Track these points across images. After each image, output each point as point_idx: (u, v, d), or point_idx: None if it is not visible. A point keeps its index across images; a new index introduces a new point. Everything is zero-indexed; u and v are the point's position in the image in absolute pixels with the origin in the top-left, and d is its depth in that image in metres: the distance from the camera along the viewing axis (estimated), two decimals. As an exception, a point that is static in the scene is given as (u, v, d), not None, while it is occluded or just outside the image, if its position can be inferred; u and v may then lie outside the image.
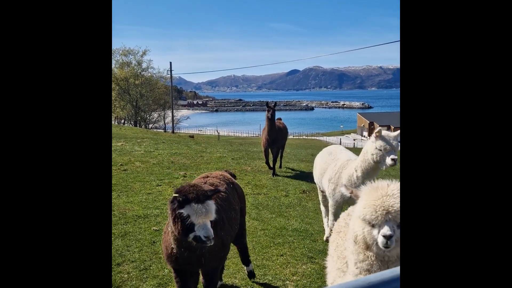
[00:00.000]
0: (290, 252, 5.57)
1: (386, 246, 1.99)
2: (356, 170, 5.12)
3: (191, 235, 2.84)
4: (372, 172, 4.99)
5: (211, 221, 2.94)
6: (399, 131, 4.91)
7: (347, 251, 2.36)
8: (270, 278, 4.74)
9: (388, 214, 2.04)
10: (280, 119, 11.22)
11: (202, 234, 2.81)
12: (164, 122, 52.77)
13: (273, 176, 10.38)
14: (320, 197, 6.46)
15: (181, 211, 2.83)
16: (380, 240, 2.00)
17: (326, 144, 41.05)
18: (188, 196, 2.84)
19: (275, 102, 10.63)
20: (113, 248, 5.27)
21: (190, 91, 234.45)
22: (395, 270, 0.93)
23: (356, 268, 2.11)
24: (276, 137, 10.42)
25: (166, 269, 4.65)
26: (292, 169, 11.72)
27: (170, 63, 41.86)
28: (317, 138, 55.39)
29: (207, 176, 3.99)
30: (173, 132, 38.92)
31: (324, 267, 5.11)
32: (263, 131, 10.86)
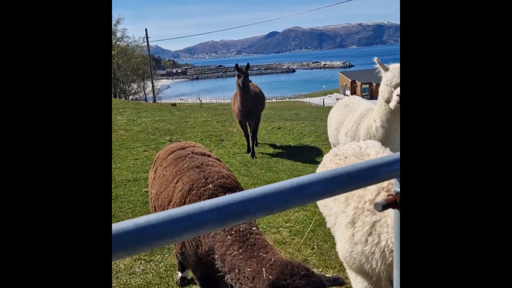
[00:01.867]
0: (281, 202, 5.69)
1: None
2: (375, 120, 4.42)
3: None
4: (392, 120, 4.19)
5: None
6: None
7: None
8: (264, 227, 4.86)
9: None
10: (250, 81, 8.27)
11: None
12: (145, 92, 51.69)
13: (252, 158, 8.22)
14: None
15: None
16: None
17: (310, 105, 41.24)
18: None
19: (248, 64, 7.95)
20: (106, 211, 5.29)
21: (168, 60, 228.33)
22: (395, 155, 0.95)
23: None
24: (253, 106, 8.11)
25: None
26: (278, 128, 11.76)
27: (146, 30, 40.45)
28: (300, 99, 55.34)
29: (185, 148, 3.18)
30: (154, 102, 38.23)
31: (315, 213, 5.27)
32: (234, 100, 8.52)
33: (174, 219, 0.72)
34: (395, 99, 4.04)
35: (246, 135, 8.56)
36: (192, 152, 3.10)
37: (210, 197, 2.63)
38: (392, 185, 1.06)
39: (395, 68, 4.18)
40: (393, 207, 0.99)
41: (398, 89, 4.04)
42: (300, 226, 4.88)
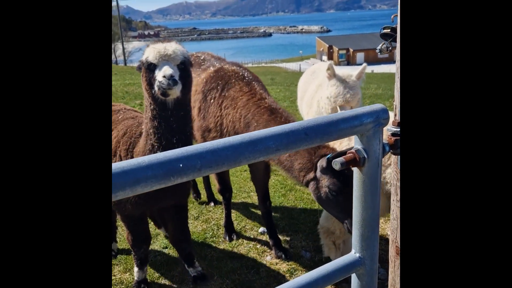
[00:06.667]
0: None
1: None
2: (322, 106, 3.95)
3: (155, 86, 2.31)
4: None
5: None
6: (361, 68, 3.57)
7: None
8: (235, 191, 4.86)
9: None
10: None
11: (161, 76, 2.29)
12: (115, 55, 49.65)
13: None
14: None
15: (142, 58, 2.44)
16: None
17: (286, 70, 40.89)
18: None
19: None
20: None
21: (140, 21, 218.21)
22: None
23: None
24: None
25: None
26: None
27: (114, -13, 38.15)
28: (276, 65, 54.71)
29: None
30: (125, 65, 36.88)
31: (287, 178, 5.31)
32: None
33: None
34: None
35: None
36: (124, 108, 3.26)
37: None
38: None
39: (342, 82, 3.45)
40: (353, 166, 0.95)
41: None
42: (271, 191, 4.91)
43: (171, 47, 2.39)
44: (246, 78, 3.22)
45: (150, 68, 2.37)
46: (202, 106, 3.33)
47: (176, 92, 2.33)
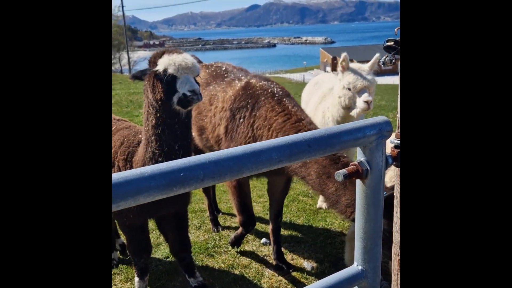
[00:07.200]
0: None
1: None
2: (328, 116, 4.02)
3: (175, 97, 2.30)
4: (347, 120, 3.70)
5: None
6: (374, 59, 3.71)
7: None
8: (238, 200, 4.85)
9: None
10: None
11: (187, 89, 2.29)
12: (120, 64, 50.14)
13: None
14: None
15: (156, 68, 2.34)
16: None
17: (290, 81, 41.07)
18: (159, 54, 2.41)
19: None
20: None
21: (145, 31, 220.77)
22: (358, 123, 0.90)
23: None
24: None
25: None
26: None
27: (121, -3, 38.74)
28: (280, 75, 55.03)
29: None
30: (130, 74, 37.18)
31: (290, 188, 5.29)
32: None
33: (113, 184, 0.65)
34: (360, 106, 3.49)
35: None
36: (114, 118, 3.20)
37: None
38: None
39: (358, 68, 3.62)
40: (356, 177, 0.95)
41: (366, 95, 3.45)
42: (274, 200, 4.90)
43: (189, 59, 2.37)
44: (277, 95, 3.03)
45: (169, 79, 2.34)
46: (230, 126, 3.15)
47: (196, 104, 2.36)
